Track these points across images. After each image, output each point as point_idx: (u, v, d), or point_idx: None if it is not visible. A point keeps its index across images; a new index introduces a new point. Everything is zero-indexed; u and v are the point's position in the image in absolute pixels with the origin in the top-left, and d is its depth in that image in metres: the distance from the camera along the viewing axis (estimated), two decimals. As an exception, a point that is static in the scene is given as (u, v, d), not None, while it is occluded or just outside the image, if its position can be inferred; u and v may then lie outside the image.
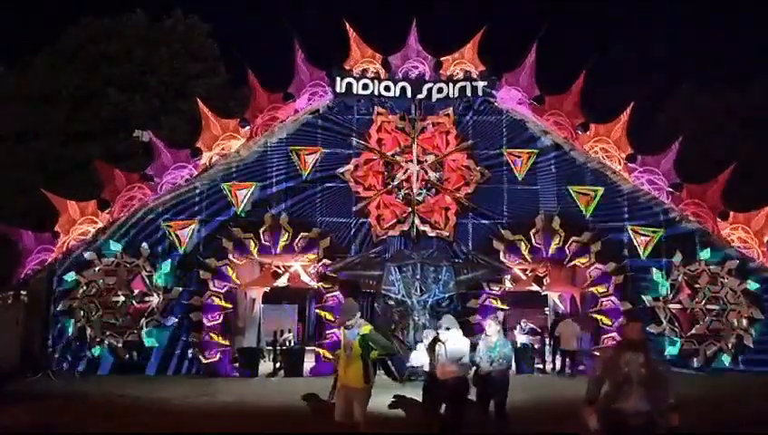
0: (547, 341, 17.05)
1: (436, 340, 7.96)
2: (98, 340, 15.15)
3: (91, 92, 25.10)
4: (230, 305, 15.53)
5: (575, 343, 15.42)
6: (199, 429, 9.04)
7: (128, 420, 9.44)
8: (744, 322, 15.69)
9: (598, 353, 5.60)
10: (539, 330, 17.60)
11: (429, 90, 16.71)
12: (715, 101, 28.04)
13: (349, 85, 16.63)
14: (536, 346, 16.79)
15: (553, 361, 16.21)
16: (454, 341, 7.64)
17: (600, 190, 16.34)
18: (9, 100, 24.55)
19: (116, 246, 15.60)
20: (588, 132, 17.36)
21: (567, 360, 15.41)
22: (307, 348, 16.86)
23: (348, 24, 17.42)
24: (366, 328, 6.78)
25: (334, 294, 15.23)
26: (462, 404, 7.60)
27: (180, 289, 15.42)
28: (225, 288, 15.42)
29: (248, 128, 16.99)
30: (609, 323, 15.45)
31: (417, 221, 15.96)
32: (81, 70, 25.23)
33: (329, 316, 15.06)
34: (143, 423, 9.26)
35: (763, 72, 28.32)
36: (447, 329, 7.74)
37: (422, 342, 9.99)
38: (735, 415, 9.70)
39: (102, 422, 9.28)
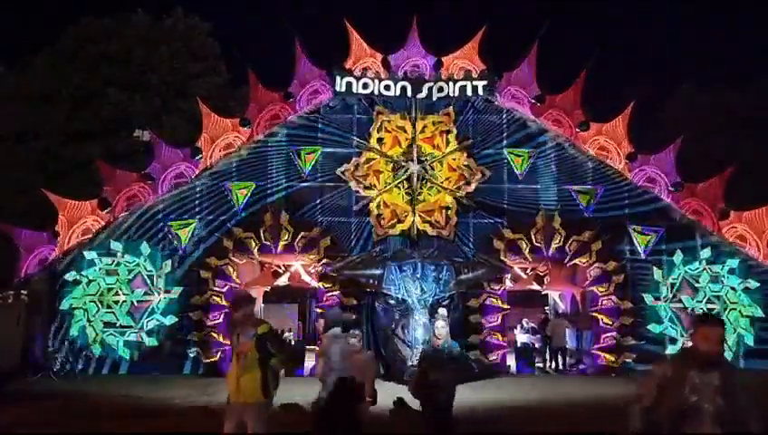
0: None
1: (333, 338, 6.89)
2: (99, 339, 15.15)
3: (91, 92, 25.06)
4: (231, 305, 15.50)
5: (566, 340, 16.05)
6: (200, 429, 9.00)
7: (129, 420, 9.40)
8: (745, 321, 15.72)
9: (649, 369, 3.96)
10: (539, 329, 17.63)
11: (429, 89, 16.67)
12: (715, 101, 28.02)
13: (349, 84, 16.58)
14: (537, 345, 16.80)
15: (550, 359, 16.37)
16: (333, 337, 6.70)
17: (601, 189, 16.37)
18: (9, 100, 24.51)
19: (117, 246, 15.60)
20: (588, 131, 17.37)
21: (559, 356, 16.06)
22: (307, 347, 16.82)
23: (348, 23, 17.41)
24: (263, 327, 5.37)
25: (334, 293, 15.24)
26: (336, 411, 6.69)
27: (181, 288, 15.44)
28: (226, 287, 15.42)
29: (249, 127, 17.00)
30: (609, 323, 15.47)
31: (417, 220, 15.97)
32: (81, 70, 25.19)
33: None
34: (144, 423, 9.23)
35: (763, 72, 28.34)
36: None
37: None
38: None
39: (103, 422, 9.24)
